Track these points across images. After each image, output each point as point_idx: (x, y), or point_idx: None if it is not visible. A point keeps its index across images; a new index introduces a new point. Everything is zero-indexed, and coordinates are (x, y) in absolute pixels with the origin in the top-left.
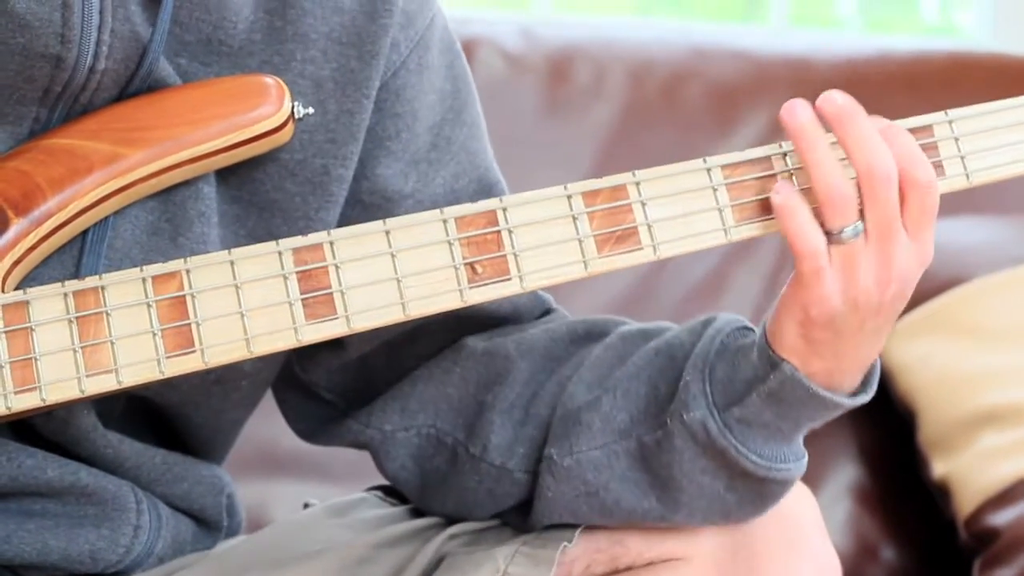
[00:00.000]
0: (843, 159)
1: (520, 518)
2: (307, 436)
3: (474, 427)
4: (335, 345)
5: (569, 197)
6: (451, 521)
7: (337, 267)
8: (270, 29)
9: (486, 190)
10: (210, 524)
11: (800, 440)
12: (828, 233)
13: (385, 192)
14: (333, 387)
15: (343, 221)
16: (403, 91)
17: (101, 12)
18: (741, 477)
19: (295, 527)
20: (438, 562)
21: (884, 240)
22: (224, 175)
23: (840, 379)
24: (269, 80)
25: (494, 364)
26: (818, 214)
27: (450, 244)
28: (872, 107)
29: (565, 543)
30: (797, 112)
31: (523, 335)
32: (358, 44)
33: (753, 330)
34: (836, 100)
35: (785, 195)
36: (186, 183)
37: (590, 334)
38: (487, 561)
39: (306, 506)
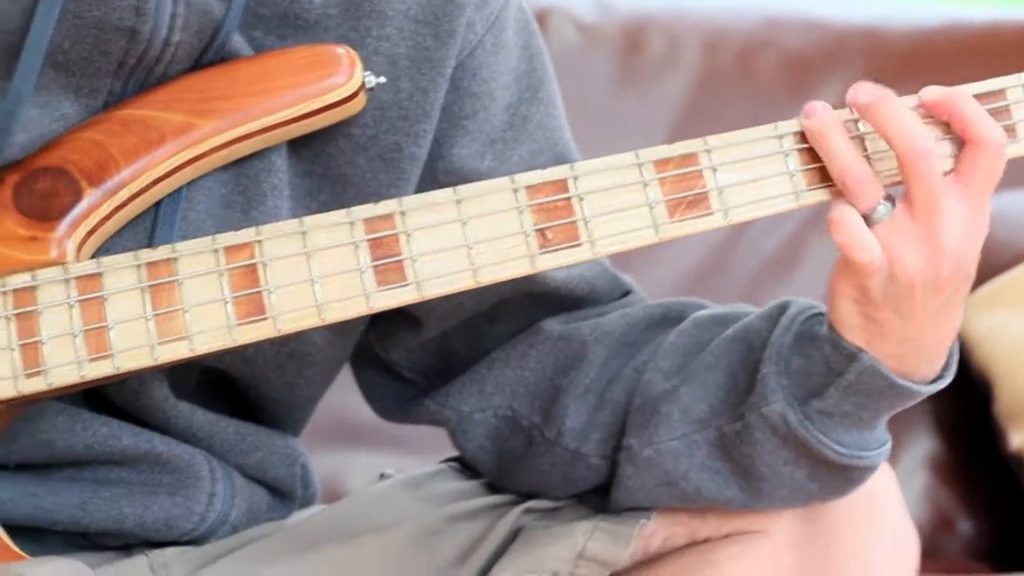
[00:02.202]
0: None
1: (597, 499)
2: (385, 414)
3: (549, 411)
4: (414, 324)
5: (640, 164)
6: (526, 496)
7: (408, 235)
8: (347, 5)
9: None
10: (284, 494)
11: (882, 426)
12: (863, 217)
13: (461, 171)
14: (413, 366)
15: None
16: (479, 71)
17: None
18: (823, 466)
19: (370, 499)
20: (513, 535)
21: (928, 215)
22: (296, 148)
23: (913, 364)
24: (340, 50)
25: (570, 348)
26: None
27: (520, 211)
28: (944, 77)
29: (643, 519)
30: (810, 115)
31: (599, 320)
32: (434, 23)
33: (825, 315)
34: (865, 89)
35: None
36: (259, 156)
37: (666, 319)
38: (565, 536)
39: (383, 476)
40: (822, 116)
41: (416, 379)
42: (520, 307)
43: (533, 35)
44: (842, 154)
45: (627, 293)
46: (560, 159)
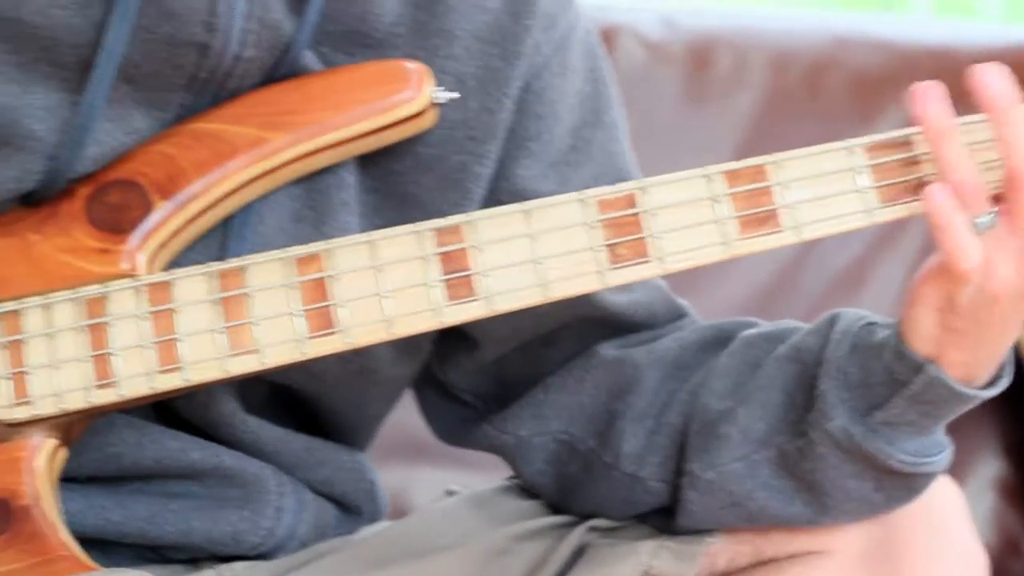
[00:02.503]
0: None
1: (660, 520)
2: (445, 437)
3: (606, 435)
4: (471, 346)
5: (708, 179)
6: (588, 517)
7: (478, 249)
8: (415, 23)
9: None
10: (352, 509)
11: (941, 431)
12: None
13: (524, 193)
14: (470, 388)
15: None
16: (544, 92)
17: (247, 0)
18: (889, 477)
19: (436, 516)
20: (578, 553)
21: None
22: (365, 165)
23: (977, 371)
24: (411, 65)
25: (624, 373)
26: None
27: (589, 226)
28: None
29: (709, 539)
30: (927, 102)
31: (653, 344)
32: (501, 43)
33: (878, 324)
34: (995, 85)
35: (939, 197)
36: (329, 171)
37: (718, 340)
38: (630, 555)
39: (449, 493)
40: (942, 120)
41: (474, 402)
42: (577, 332)
43: (599, 59)
44: (962, 161)
45: (682, 316)
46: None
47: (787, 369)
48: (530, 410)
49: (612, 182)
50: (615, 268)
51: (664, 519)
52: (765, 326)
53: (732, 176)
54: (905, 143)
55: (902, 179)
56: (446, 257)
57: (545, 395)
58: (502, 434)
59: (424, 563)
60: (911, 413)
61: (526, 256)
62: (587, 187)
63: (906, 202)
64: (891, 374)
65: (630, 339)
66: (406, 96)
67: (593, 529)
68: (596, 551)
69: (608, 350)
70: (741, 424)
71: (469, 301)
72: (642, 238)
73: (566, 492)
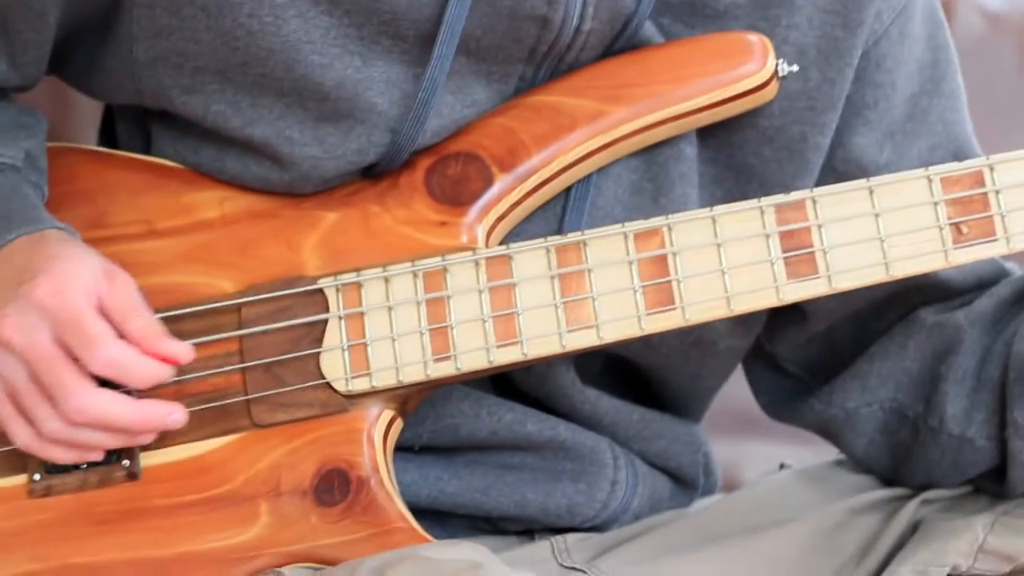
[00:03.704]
0: None
1: (994, 484)
2: (771, 411)
3: (931, 399)
4: (800, 318)
5: None
6: (922, 489)
7: (820, 227)
8: None
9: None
10: (686, 482)
11: None
12: None
13: (860, 162)
14: (797, 360)
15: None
16: (883, 60)
17: None
18: None
19: (770, 490)
20: (911, 529)
21: None
22: (703, 137)
23: None
24: (753, 37)
25: (945, 335)
26: None
27: (935, 204)
28: None
29: None
30: None
31: (972, 304)
32: (843, 12)
33: None
34: None
35: None
36: (668, 143)
37: None
38: (965, 530)
39: (782, 467)
40: None
41: (800, 374)
42: (904, 299)
43: (940, 26)
44: None
45: (1005, 275)
46: (959, 154)
47: None
48: (856, 381)
49: (949, 153)
50: (960, 247)
51: (996, 481)
52: None
53: None
54: None
55: None
56: (787, 235)
57: (870, 364)
58: (829, 407)
59: (759, 538)
60: None
61: (870, 234)
62: (923, 158)
63: None
64: None
65: (951, 301)
66: (749, 69)
67: (927, 502)
68: (931, 525)
69: (927, 314)
70: None
71: (810, 279)
72: (990, 216)
73: (898, 462)
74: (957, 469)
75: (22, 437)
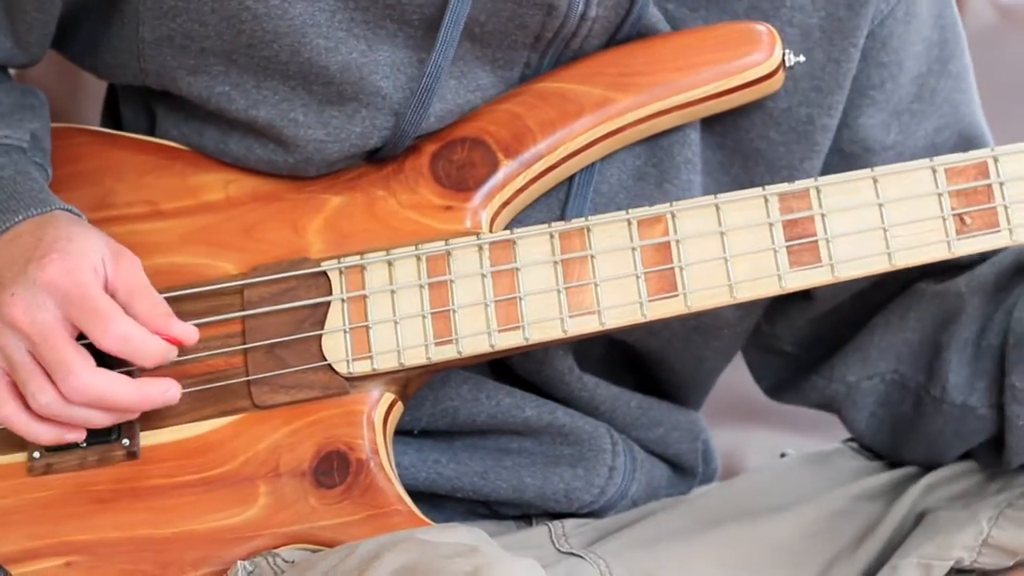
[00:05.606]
0: None
1: (994, 455)
2: (773, 393)
3: (932, 369)
4: (804, 298)
5: None
6: (926, 470)
7: (823, 216)
8: None
9: (968, 143)
10: (685, 469)
11: None
12: None
13: (866, 142)
14: (797, 339)
15: (821, 171)
16: (889, 40)
17: None
18: None
19: (769, 477)
20: (914, 519)
21: None
22: (709, 122)
23: None
24: (760, 27)
25: (946, 303)
26: None
27: (940, 195)
28: None
29: None
30: None
31: (972, 272)
32: None
33: None
34: None
35: None
36: (673, 128)
37: None
38: (970, 523)
39: (783, 455)
40: None
41: (797, 352)
42: (905, 272)
43: (947, 5)
44: None
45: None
46: (966, 136)
47: None
48: (857, 354)
49: (956, 134)
50: (963, 238)
51: (995, 452)
52: None
53: None
54: None
55: None
56: (790, 223)
57: (870, 337)
58: (831, 383)
59: (758, 524)
60: None
61: (874, 223)
62: (929, 139)
63: None
64: None
65: (951, 272)
66: (756, 58)
67: (931, 488)
68: (935, 517)
69: (927, 285)
70: None
71: (813, 268)
72: (993, 208)
73: (900, 435)
74: (959, 439)
75: (7, 409)
